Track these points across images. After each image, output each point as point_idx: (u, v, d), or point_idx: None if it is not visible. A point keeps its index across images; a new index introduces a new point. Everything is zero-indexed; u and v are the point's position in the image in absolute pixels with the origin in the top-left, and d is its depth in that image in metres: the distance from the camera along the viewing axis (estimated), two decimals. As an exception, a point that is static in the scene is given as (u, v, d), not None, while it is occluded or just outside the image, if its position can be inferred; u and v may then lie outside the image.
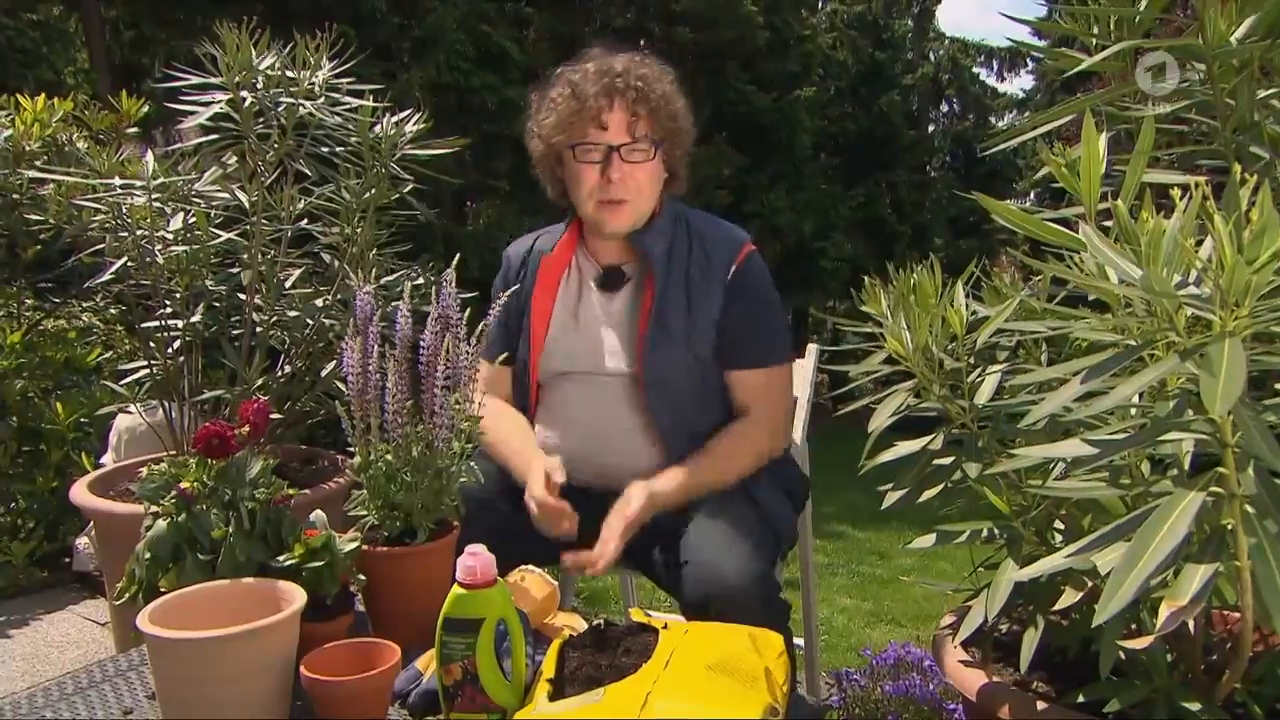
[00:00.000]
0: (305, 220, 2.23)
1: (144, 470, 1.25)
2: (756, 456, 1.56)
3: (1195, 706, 0.89)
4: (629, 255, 1.63)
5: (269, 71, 2.01)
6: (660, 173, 1.59)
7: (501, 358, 1.60)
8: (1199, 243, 0.85)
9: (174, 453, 2.18)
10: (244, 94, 1.97)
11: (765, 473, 1.57)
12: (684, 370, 1.56)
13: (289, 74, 2.03)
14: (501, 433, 1.58)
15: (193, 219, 2.11)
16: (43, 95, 2.72)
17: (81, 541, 2.82)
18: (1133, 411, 0.94)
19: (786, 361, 1.65)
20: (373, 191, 2.11)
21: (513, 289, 1.59)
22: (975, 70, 17.42)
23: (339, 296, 2.20)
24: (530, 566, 1.35)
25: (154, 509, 1.19)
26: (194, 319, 2.17)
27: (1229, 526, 0.79)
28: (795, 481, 1.67)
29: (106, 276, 2.15)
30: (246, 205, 2.10)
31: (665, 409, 1.55)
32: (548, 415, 1.65)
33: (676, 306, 1.55)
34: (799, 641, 1.88)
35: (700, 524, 1.43)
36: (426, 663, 1.13)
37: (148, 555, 1.15)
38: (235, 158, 2.17)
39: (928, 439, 1.12)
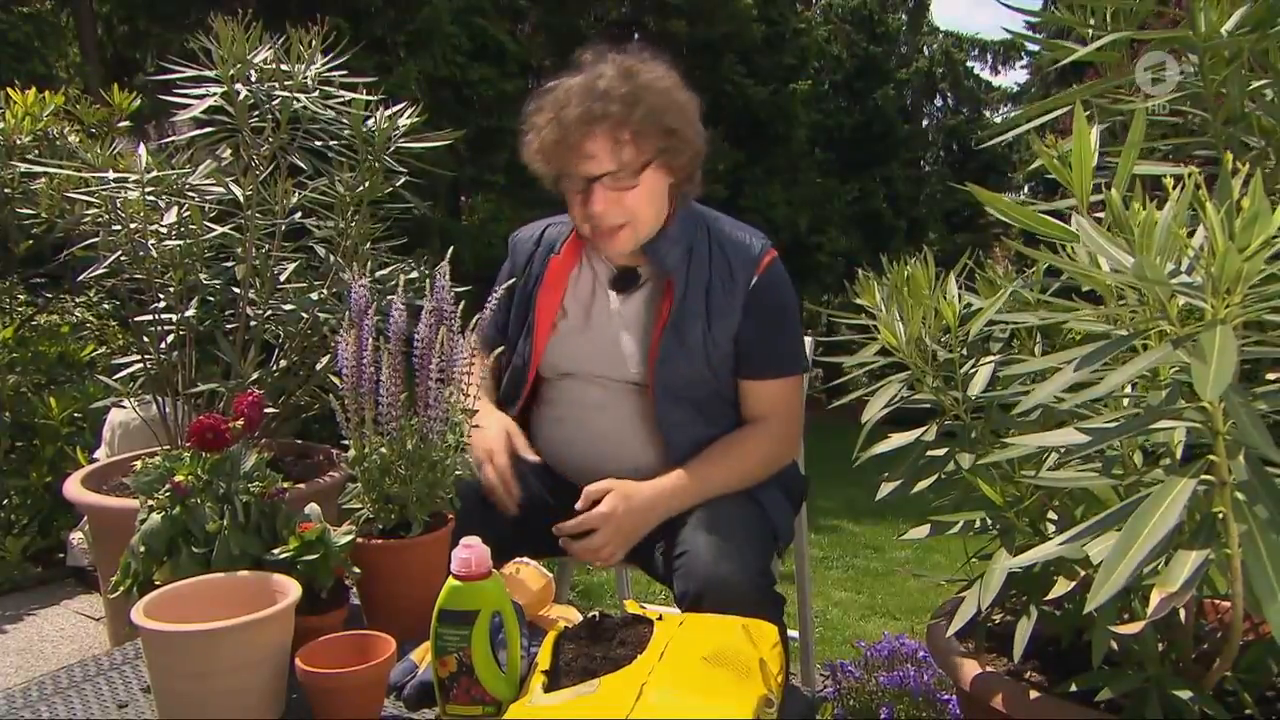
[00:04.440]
0: (299, 214, 2.22)
1: (138, 464, 1.25)
2: (765, 467, 1.55)
3: (1186, 695, 0.90)
4: (642, 259, 1.58)
5: (263, 65, 2.00)
6: (658, 188, 1.51)
7: (495, 353, 1.53)
8: (1191, 232, 0.85)
9: (168, 447, 2.18)
10: (238, 87, 1.96)
11: None
12: (696, 382, 1.53)
13: (283, 67, 2.02)
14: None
15: (186, 213, 2.10)
16: (34, 89, 2.70)
17: (75, 536, 2.82)
18: (1125, 401, 0.94)
19: (802, 371, 1.62)
20: (366, 185, 2.11)
21: (513, 280, 1.55)
22: (969, 64, 17.41)
23: (334, 290, 2.19)
24: (525, 559, 1.35)
25: (148, 503, 1.19)
26: (188, 313, 2.17)
27: (1220, 514, 0.80)
28: (794, 480, 1.66)
29: (100, 271, 2.14)
30: (240, 199, 2.09)
31: (673, 419, 1.52)
32: (547, 412, 1.64)
33: (695, 318, 1.51)
34: (794, 634, 1.88)
35: (698, 518, 1.43)
36: (422, 655, 1.14)
37: (142, 549, 1.15)
38: (229, 151, 2.17)
39: (921, 430, 1.12)
